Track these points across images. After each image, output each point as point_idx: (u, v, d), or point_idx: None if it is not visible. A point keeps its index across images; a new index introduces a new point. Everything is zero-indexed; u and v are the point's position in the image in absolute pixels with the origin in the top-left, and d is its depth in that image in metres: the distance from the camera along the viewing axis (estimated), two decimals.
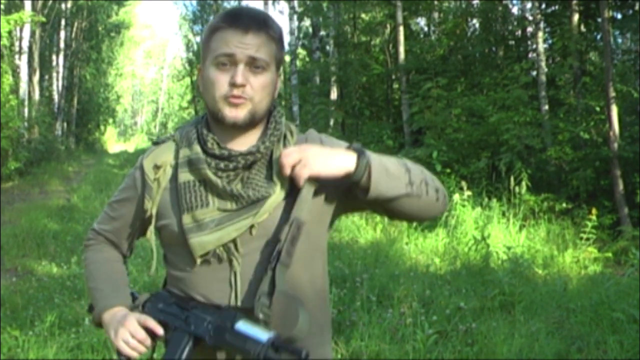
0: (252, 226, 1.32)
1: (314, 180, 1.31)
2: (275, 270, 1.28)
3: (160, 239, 1.43)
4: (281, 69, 1.45)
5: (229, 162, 1.34)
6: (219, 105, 1.33)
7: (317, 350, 1.40)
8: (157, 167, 1.40)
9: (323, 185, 1.34)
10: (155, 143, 1.47)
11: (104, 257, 1.54)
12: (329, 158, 1.29)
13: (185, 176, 1.36)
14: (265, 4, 18.39)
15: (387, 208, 1.35)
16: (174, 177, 1.38)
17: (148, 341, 1.37)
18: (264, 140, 1.37)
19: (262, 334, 1.21)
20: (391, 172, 1.31)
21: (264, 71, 1.33)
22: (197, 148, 1.36)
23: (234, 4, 26.73)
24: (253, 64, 1.31)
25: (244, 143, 1.37)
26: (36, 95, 18.32)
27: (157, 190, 1.39)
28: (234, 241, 1.32)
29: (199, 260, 1.33)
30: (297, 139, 1.43)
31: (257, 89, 1.32)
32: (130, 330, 1.37)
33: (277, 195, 1.33)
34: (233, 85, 1.30)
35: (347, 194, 1.38)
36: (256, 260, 1.33)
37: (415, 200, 1.34)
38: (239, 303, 1.31)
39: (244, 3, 25.61)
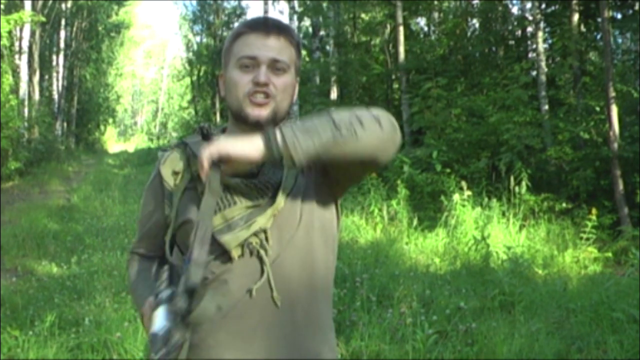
0: (275, 213, 1.35)
1: (225, 160, 1.26)
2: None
3: (179, 242, 1.42)
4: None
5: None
6: (243, 104, 1.38)
7: (315, 348, 1.41)
8: (175, 174, 1.43)
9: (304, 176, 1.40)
10: (164, 150, 1.51)
11: (136, 271, 1.55)
12: (237, 140, 1.25)
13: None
14: (266, 4, 18.39)
15: (335, 161, 1.29)
16: (191, 184, 1.40)
17: None
18: None
19: None
20: (309, 128, 1.23)
21: (285, 73, 1.39)
22: None
23: (234, 4, 26.77)
24: (274, 66, 1.38)
25: None
26: (36, 95, 18.32)
27: (176, 196, 1.42)
28: (264, 231, 1.34)
29: (235, 254, 1.33)
30: None
31: (280, 89, 1.38)
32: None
33: (290, 179, 1.37)
34: (257, 84, 1.36)
35: (321, 175, 1.42)
36: (278, 248, 1.35)
37: (352, 141, 1.24)
38: (273, 289, 1.33)
39: (244, 3, 25.62)
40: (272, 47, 1.38)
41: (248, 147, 1.23)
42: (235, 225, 1.33)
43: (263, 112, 1.37)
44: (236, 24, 1.48)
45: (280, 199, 1.35)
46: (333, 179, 1.43)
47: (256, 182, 1.35)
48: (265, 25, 1.40)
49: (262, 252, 1.34)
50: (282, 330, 1.36)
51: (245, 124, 1.38)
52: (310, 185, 1.41)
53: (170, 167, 1.44)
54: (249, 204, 1.34)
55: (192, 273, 1.20)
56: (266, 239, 1.34)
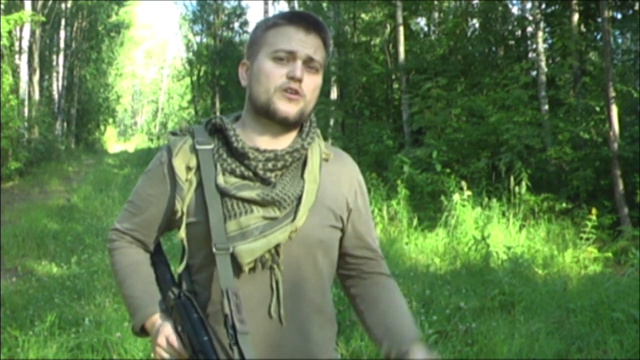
0: (293, 230, 1.32)
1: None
2: None
3: (187, 238, 1.38)
4: None
5: (276, 162, 1.34)
6: (273, 98, 1.32)
7: (329, 345, 1.44)
8: (189, 169, 1.36)
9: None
10: (174, 133, 1.44)
11: (132, 261, 1.47)
12: None
13: (222, 181, 1.33)
14: (266, 4, 18.40)
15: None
16: (210, 179, 1.34)
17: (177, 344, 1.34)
18: (303, 137, 1.38)
19: None
20: None
21: (317, 73, 1.35)
22: (234, 163, 1.35)
23: (234, 4, 26.76)
24: (309, 64, 1.33)
25: (282, 143, 1.37)
26: (36, 95, 18.32)
27: (187, 190, 1.36)
28: (277, 246, 1.31)
29: (246, 268, 1.30)
30: (325, 144, 1.44)
31: (310, 88, 1.34)
32: (165, 334, 1.36)
33: (310, 195, 1.34)
34: (291, 78, 1.31)
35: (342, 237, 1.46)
36: (292, 263, 1.34)
37: None
38: (281, 306, 1.32)
39: (244, 3, 25.62)
40: (310, 44, 1.33)
41: None
42: (249, 234, 1.29)
43: (293, 109, 1.32)
44: (266, 18, 1.42)
45: (301, 218, 1.32)
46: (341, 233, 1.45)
47: (274, 195, 1.30)
48: (306, 20, 1.34)
49: (274, 266, 1.31)
50: (290, 345, 1.35)
51: (270, 119, 1.34)
52: (329, 209, 1.38)
53: (184, 162, 1.36)
54: (265, 214, 1.30)
55: (244, 347, 1.21)
56: (277, 253, 1.31)
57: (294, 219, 1.31)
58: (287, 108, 1.32)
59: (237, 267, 1.30)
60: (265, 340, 1.32)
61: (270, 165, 1.33)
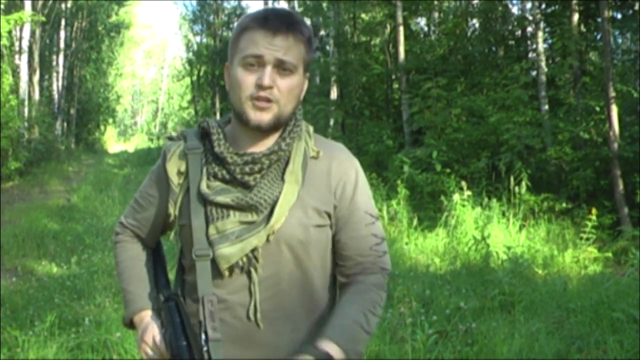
0: (270, 233, 1.33)
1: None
2: None
3: (179, 240, 1.44)
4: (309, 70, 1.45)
5: (253, 165, 1.34)
6: (244, 107, 1.33)
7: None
8: (180, 173, 1.41)
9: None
10: (170, 138, 1.48)
11: (132, 256, 1.55)
12: None
13: (204, 186, 1.36)
14: (265, 4, 18.41)
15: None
16: (196, 184, 1.38)
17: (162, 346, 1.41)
18: (284, 137, 1.37)
19: None
20: (358, 346, 1.33)
21: (291, 74, 1.33)
22: (217, 167, 1.37)
23: (234, 4, 26.76)
24: (281, 67, 1.32)
25: (265, 144, 1.38)
26: (36, 95, 18.31)
27: (179, 194, 1.41)
28: (254, 250, 1.32)
29: (226, 273, 1.33)
30: (314, 141, 1.44)
31: (284, 92, 1.33)
32: (153, 333, 1.43)
33: (289, 196, 1.34)
34: (260, 87, 1.30)
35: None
36: (274, 265, 1.34)
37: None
38: (258, 310, 1.33)
39: (244, 3, 25.62)
40: (279, 46, 1.31)
41: None
42: (225, 238, 1.32)
43: (265, 117, 1.32)
44: (242, 17, 1.42)
45: (278, 220, 1.32)
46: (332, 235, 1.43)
47: (248, 199, 1.32)
48: (274, 22, 1.32)
49: (252, 270, 1.33)
50: (272, 345, 1.35)
51: (246, 126, 1.35)
52: (313, 209, 1.37)
53: (176, 166, 1.41)
54: (242, 219, 1.32)
55: (214, 354, 1.27)
56: (255, 258, 1.32)
57: (269, 221, 1.31)
58: (260, 117, 1.32)
59: (218, 270, 1.33)
60: (247, 341, 1.34)
61: (247, 168, 1.34)
